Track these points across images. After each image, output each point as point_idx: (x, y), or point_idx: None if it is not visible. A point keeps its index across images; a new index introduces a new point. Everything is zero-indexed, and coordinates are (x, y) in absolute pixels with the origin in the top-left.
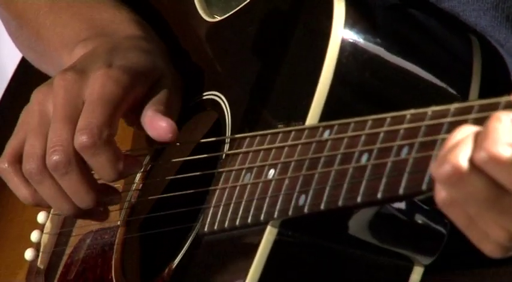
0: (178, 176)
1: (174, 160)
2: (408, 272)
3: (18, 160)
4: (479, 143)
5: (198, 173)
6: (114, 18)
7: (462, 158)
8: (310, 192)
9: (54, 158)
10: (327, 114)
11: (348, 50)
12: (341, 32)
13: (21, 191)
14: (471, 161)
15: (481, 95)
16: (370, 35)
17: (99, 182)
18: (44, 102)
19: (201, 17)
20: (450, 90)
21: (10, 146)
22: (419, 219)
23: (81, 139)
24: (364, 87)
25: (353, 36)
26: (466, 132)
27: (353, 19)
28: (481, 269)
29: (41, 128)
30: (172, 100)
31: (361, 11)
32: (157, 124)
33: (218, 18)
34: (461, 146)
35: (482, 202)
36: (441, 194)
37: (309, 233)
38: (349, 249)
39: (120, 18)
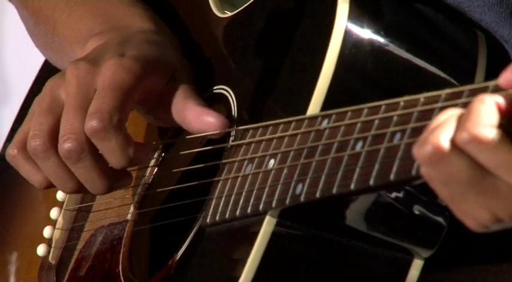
0: (185, 169)
1: (181, 153)
2: (408, 265)
3: (27, 146)
4: (462, 124)
5: (201, 165)
6: (127, 13)
7: (443, 138)
8: (307, 181)
9: (67, 145)
10: (328, 105)
11: (351, 42)
12: (344, 24)
13: (33, 176)
14: (453, 142)
15: None
16: (375, 27)
17: None
18: (56, 89)
19: (213, 13)
20: (454, 84)
21: (19, 133)
22: (418, 210)
23: (91, 124)
24: (366, 79)
25: (357, 28)
26: (449, 114)
27: (357, 12)
28: (483, 265)
29: (50, 109)
30: (195, 92)
31: (366, 4)
32: (206, 119)
33: (229, 14)
34: (443, 126)
35: (464, 183)
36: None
37: (308, 223)
38: (347, 240)
39: (133, 13)
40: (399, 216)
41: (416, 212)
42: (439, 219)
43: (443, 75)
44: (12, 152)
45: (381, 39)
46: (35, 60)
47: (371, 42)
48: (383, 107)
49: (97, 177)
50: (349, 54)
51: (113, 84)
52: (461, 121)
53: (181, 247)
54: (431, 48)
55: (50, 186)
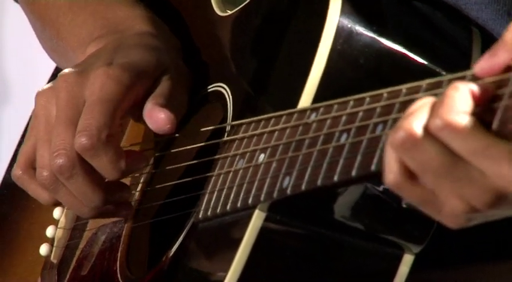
0: (181, 165)
1: (174, 150)
2: (398, 260)
3: (31, 166)
4: (435, 111)
5: (196, 161)
6: (127, 15)
7: (416, 124)
8: (294, 174)
9: (58, 162)
10: (319, 99)
11: (343, 37)
12: (336, 19)
13: (40, 195)
14: (426, 128)
15: None
16: (368, 23)
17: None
18: (47, 106)
19: (215, 12)
20: None
21: (22, 153)
22: (407, 203)
23: (80, 141)
24: (358, 74)
25: (349, 23)
26: (423, 102)
27: (350, 7)
28: (480, 265)
29: (47, 135)
30: (174, 93)
31: (359, 0)
32: (156, 116)
33: (229, 13)
34: (416, 113)
35: (437, 170)
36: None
37: (297, 218)
38: (337, 234)
39: (133, 15)
40: (388, 209)
41: (405, 205)
42: None
43: (437, 70)
44: (17, 173)
45: (373, 35)
46: (35, 60)
47: (363, 38)
48: (367, 99)
49: (91, 191)
50: (341, 49)
51: (101, 97)
52: (435, 108)
53: (175, 243)
54: (425, 44)
55: (58, 204)
